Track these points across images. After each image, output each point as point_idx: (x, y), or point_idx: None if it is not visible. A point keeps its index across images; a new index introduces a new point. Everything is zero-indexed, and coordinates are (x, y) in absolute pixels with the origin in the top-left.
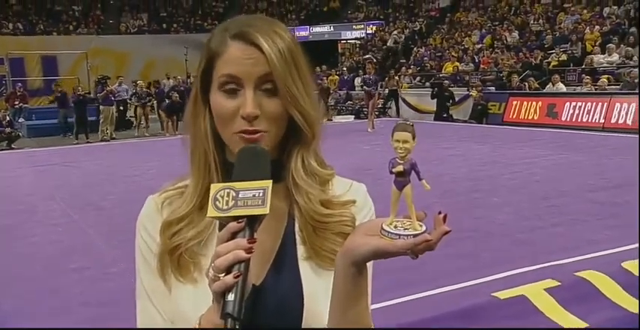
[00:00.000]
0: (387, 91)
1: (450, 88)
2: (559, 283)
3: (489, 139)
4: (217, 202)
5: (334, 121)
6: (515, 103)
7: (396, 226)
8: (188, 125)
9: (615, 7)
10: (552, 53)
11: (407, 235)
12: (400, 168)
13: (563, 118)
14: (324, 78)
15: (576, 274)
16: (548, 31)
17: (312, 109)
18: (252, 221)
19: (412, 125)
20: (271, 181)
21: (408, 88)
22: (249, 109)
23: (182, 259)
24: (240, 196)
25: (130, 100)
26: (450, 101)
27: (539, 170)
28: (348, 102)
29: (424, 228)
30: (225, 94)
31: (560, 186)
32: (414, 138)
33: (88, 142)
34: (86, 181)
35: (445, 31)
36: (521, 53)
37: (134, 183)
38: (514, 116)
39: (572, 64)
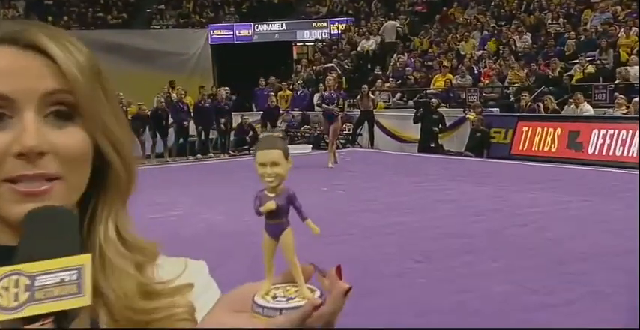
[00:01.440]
0: (356, 112)
1: (440, 109)
2: None
3: (491, 178)
4: None
5: (279, 134)
6: (525, 129)
7: (274, 297)
8: None
9: None
10: (575, 63)
11: (292, 308)
12: (272, 205)
13: (590, 151)
14: (271, 94)
15: None
16: (571, 33)
17: (129, 141)
18: (62, 320)
19: (282, 138)
20: (90, 255)
21: (385, 108)
22: (30, 142)
23: None
24: (37, 283)
25: None
26: (440, 126)
27: (555, 223)
28: (305, 127)
29: (318, 293)
30: None
31: (581, 246)
32: (286, 157)
33: None
34: None
35: (435, 32)
36: (534, 63)
37: None
38: (524, 148)
39: (601, 79)
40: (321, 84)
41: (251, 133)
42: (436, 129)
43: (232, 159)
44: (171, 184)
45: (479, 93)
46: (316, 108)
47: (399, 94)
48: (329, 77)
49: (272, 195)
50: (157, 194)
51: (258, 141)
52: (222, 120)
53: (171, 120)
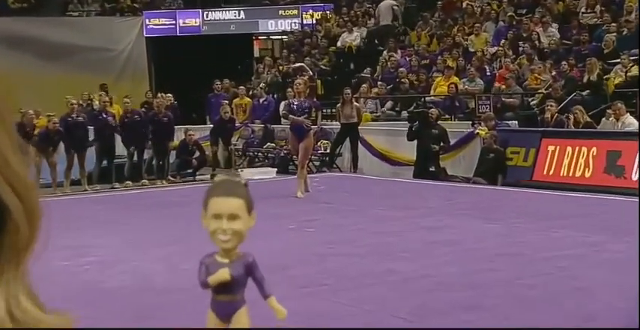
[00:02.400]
0: (335, 125)
1: (442, 122)
2: None
3: (505, 212)
4: None
5: (242, 179)
6: (552, 149)
7: None
8: None
9: None
10: (616, 64)
11: None
12: (225, 274)
13: (634, 177)
14: (225, 103)
15: None
16: (610, 25)
17: (27, 179)
18: None
19: (245, 184)
20: None
21: (373, 120)
22: None
23: None
24: None
25: None
26: (442, 144)
27: (586, 271)
28: (268, 144)
29: None
30: None
31: (619, 300)
32: (249, 210)
33: None
34: None
35: (436, 23)
36: (564, 63)
37: None
38: (550, 172)
39: None
40: (290, 89)
41: (197, 154)
42: (437, 147)
43: (172, 187)
44: (90, 220)
45: (492, 101)
46: (283, 120)
47: (390, 103)
48: (299, 80)
49: (225, 261)
50: (69, 234)
51: (213, 183)
52: (161, 136)
53: (92, 136)
